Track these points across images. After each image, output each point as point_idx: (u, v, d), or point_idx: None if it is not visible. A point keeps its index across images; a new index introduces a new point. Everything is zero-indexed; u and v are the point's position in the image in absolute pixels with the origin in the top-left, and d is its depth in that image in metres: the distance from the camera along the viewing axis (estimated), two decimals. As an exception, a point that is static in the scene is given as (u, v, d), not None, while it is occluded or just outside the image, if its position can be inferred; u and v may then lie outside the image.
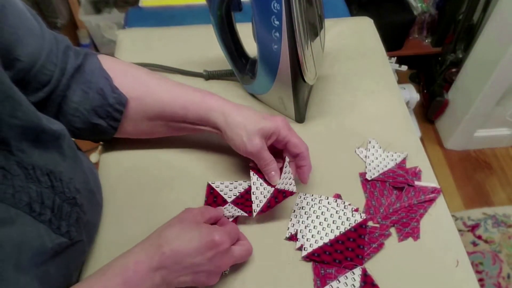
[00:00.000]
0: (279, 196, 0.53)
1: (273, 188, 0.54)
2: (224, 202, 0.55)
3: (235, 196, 0.56)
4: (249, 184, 0.57)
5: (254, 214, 0.52)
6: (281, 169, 0.54)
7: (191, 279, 0.43)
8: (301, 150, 0.53)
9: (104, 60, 0.54)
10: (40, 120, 0.41)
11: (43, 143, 0.41)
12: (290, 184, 0.52)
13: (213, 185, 0.57)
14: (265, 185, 0.55)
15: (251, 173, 0.56)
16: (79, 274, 0.50)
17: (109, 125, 0.54)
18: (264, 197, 0.54)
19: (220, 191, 0.56)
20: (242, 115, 0.52)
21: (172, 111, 0.54)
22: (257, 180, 0.55)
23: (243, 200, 0.55)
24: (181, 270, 0.42)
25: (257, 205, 0.53)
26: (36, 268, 0.38)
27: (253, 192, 0.54)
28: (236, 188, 0.57)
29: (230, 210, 0.54)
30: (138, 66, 0.57)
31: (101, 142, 0.63)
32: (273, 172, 0.53)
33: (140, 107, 0.54)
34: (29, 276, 0.37)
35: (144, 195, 0.57)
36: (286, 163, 0.54)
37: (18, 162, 0.38)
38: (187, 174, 0.59)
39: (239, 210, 0.54)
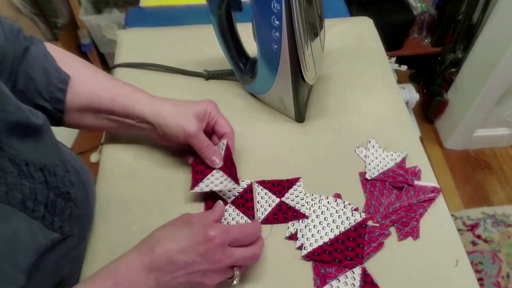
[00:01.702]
0: (289, 213, 0.54)
1: (278, 199, 0.55)
2: (224, 203, 0.55)
3: (234, 197, 0.56)
4: (248, 183, 0.57)
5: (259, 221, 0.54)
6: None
7: (186, 280, 0.41)
8: (227, 131, 0.56)
9: (48, 47, 0.54)
10: (25, 113, 0.41)
11: (30, 137, 0.41)
12: (300, 205, 0.54)
13: None
14: (270, 194, 0.56)
15: (255, 184, 0.57)
16: (79, 274, 0.50)
17: (54, 108, 0.52)
18: (269, 205, 0.55)
19: (219, 192, 0.56)
20: (171, 104, 0.54)
21: (99, 103, 0.54)
22: (261, 190, 0.57)
23: (243, 201, 0.56)
24: (175, 271, 0.41)
25: (262, 212, 0.54)
26: (30, 266, 0.38)
27: (258, 201, 0.55)
28: (234, 188, 0.57)
29: (232, 214, 0.54)
30: (75, 56, 0.57)
31: (101, 142, 0.63)
32: (214, 157, 0.55)
33: (70, 97, 0.53)
34: (24, 274, 0.37)
35: (143, 194, 0.57)
36: (300, 182, 0.57)
37: (10, 159, 0.38)
38: (186, 173, 0.59)
39: (242, 215, 0.54)
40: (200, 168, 0.56)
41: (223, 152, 0.55)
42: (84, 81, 0.54)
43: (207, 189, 0.53)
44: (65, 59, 0.54)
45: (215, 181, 0.54)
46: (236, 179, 0.54)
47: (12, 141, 0.39)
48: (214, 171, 0.55)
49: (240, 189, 0.57)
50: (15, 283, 0.36)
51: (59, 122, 0.54)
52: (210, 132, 0.58)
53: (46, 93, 0.51)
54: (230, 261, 0.43)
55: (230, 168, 0.54)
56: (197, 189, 0.53)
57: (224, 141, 0.56)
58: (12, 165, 0.38)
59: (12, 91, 0.49)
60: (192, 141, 0.54)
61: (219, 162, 0.55)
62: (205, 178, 0.55)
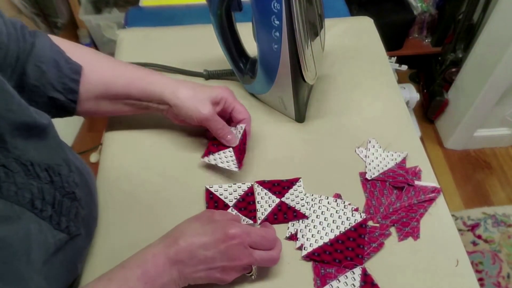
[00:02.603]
0: (289, 213, 0.54)
1: (278, 199, 0.55)
2: (226, 206, 0.55)
3: (236, 200, 0.56)
4: (248, 186, 0.57)
5: (259, 222, 0.54)
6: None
7: (206, 275, 0.44)
8: (245, 116, 0.58)
9: (53, 39, 0.54)
10: (31, 113, 0.41)
11: (35, 137, 0.41)
12: (300, 205, 0.54)
13: (212, 189, 0.56)
14: (270, 194, 0.56)
15: (255, 185, 0.57)
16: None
17: (67, 98, 0.52)
18: (269, 206, 0.55)
19: (220, 195, 0.56)
20: (189, 87, 0.55)
21: (115, 89, 0.54)
22: (261, 190, 0.56)
23: (245, 204, 0.55)
24: (196, 265, 0.43)
25: (262, 213, 0.54)
26: (42, 265, 0.38)
27: (257, 201, 0.55)
28: (235, 191, 0.57)
29: None
30: (83, 46, 0.57)
31: (101, 142, 0.63)
32: (229, 136, 0.57)
33: (85, 86, 0.53)
34: (38, 274, 0.37)
35: (143, 194, 0.57)
36: (300, 182, 0.57)
37: (16, 159, 0.38)
38: (186, 172, 0.59)
39: (243, 217, 0.54)
40: (216, 143, 0.59)
41: (239, 136, 0.58)
42: (96, 69, 0.54)
43: (213, 162, 0.56)
44: (73, 49, 0.54)
45: (224, 158, 0.57)
46: (240, 164, 0.56)
47: (17, 141, 0.39)
48: (227, 150, 0.58)
49: (241, 191, 0.57)
50: (30, 282, 0.36)
51: (71, 112, 0.55)
52: (227, 118, 0.60)
53: (58, 84, 0.51)
54: (248, 261, 0.45)
55: (240, 152, 0.57)
56: (205, 159, 0.57)
57: (243, 125, 0.58)
58: (18, 165, 0.38)
59: (22, 88, 0.49)
60: (208, 124, 0.56)
61: (234, 141, 0.57)
62: (217, 153, 0.57)
